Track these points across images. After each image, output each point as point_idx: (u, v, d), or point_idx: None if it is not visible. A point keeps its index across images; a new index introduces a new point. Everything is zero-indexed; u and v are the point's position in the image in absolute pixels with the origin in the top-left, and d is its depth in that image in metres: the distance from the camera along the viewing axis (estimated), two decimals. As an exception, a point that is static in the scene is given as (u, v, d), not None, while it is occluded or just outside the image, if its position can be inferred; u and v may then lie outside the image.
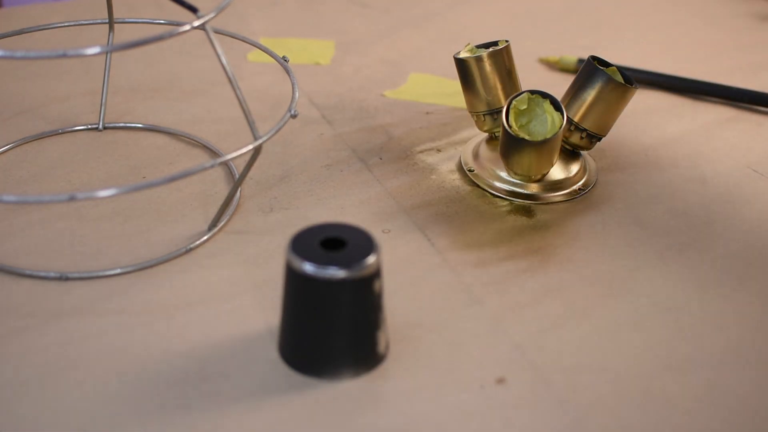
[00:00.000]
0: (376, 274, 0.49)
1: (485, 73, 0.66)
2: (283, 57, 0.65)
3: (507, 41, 0.67)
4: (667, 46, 0.92)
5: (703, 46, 0.92)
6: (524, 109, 0.63)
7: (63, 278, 0.57)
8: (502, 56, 0.66)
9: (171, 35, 0.52)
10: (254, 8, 0.97)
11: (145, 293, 0.56)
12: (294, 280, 0.49)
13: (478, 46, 0.67)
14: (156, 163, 0.69)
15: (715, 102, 0.80)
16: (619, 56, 0.85)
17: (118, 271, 0.58)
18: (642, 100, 0.79)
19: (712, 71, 0.84)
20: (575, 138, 0.66)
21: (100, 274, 0.57)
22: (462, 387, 0.50)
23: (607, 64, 0.65)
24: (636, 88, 0.65)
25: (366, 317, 0.50)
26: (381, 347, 0.51)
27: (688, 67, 0.85)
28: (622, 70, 0.65)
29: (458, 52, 0.67)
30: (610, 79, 0.64)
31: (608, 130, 0.66)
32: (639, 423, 0.48)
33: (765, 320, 0.55)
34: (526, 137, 0.62)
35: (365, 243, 0.50)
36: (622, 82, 0.64)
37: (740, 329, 0.55)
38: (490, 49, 0.66)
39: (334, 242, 0.50)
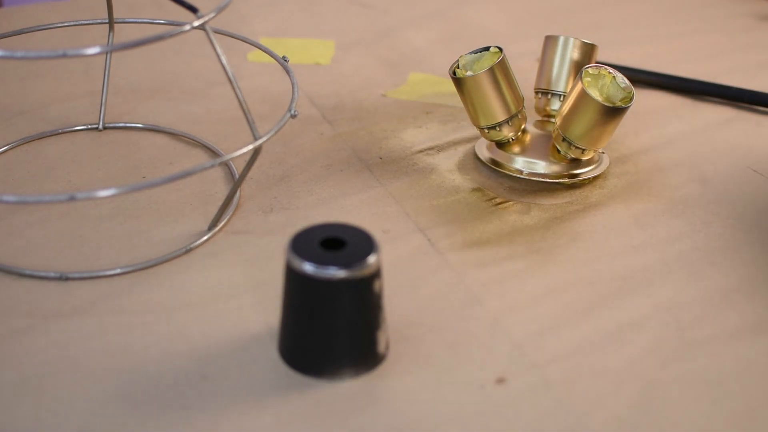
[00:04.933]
0: (376, 274, 0.49)
1: (482, 90, 0.66)
2: (283, 57, 0.65)
3: (500, 49, 0.66)
4: (667, 46, 0.92)
5: (703, 46, 0.92)
6: (595, 75, 0.64)
7: (63, 278, 0.57)
8: (499, 70, 0.65)
9: (171, 35, 0.52)
10: (254, 8, 0.97)
11: (145, 293, 0.56)
12: (294, 280, 0.49)
13: (474, 52, 0.67)
14: (156, 163, 0.69)
15: (715, 102, 0.80)
16: (619, 56, 0.85)
17: (118, 271, 0.58)
18: (642, 100, 0.79)
19: (712, 71, 0.84)
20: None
21: (100, 274, 0.57)
22: (462, 387, 0.50)
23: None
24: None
25: (366, 317, 0.50)
26: (381, 347, 0.51)
27: (688, 67, 0.85)
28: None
29: (454, 64, 0.67)
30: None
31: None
32: (639, 423, 0.48)
33: (765, 319, 0.55)
34: (607, 103, 0.63)
35: (365, 243, 0.50)
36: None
37: (740, 329, 0.55)
38: (485, 69, 0.65)
39: (334, 242, 0.50)
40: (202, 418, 0.48)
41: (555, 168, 0.67)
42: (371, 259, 0.49)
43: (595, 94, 0.64)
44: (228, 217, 0.63)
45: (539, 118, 0.71)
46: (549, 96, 0.69)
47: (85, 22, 0.72)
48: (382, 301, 0.51)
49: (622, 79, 0.64)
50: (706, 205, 0.66)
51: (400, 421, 0.48)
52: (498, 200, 0.66)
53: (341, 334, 0.50)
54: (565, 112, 0.65)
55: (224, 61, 0.55)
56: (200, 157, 0.71)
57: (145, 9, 0.94)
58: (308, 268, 0.48)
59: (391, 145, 0.72)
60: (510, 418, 0.48)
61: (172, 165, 0.69)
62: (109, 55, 0.74)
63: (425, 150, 0.72)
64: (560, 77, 0.69)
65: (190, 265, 0.59)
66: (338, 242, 0.50)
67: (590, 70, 0.64)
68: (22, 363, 0.51)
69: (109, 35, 0.71)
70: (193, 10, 0.54)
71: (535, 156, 0.67)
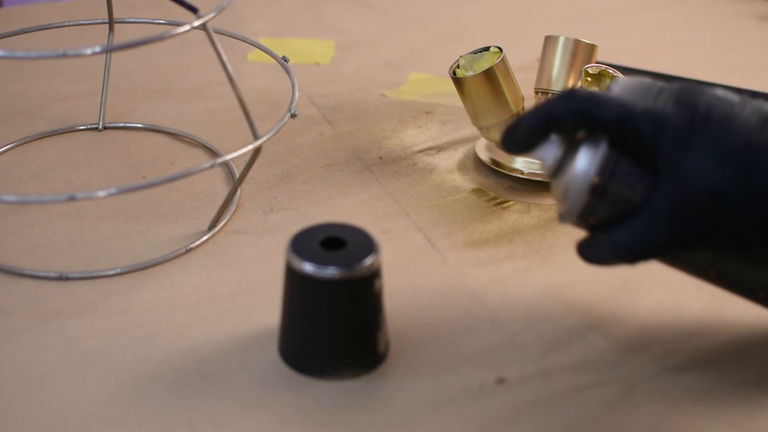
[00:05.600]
0: (376, 274, 0.49)
1: (482, 90, 0.65)
2: (283, 57, 0.65)
3: (500, 49, 0.66)
4: (667, 46, 0.92)
5: (703, 46, 0.92)
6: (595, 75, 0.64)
7: (63, 278, 0.57)
8: (499, 70, 0.65)
9: (171, 35, 0.52)
10: (254, 8, 0.97)
11: (145, 293, 0.56)
12: (294, 280, 0.49)
13: (474, 52, 0.67)
14: (156, 163, 0.69)
15: (715, 102, 0.80)
16: (619, 56, 0.85)
17: (118, 271, 0.58)
18: (642, 100, 0.79)
19: (712, 71, 0.84)
20: None
21: (100, 274, 0.57)
22: (462, 387, 0.50)
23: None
24: None
25: (366, 317, 0.50)
26: (381, 347, 0.51)
27: (688, 67, 0.85)
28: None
29: (454, 64, 0.67)
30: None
31: None
32: (639, 423, 0.48)
33: (765, 319, 0.55)
34: None
35: (365, 243, 0.50)
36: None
37: (740, 329, 0.55)
38: (485, 69, 0.65)
39: (334, 242, 0.50)
40: (202, 418, 0.48)
41: None
42: (371, 259, 0.49)
43: None
44: (228, 217, 0.63)
45: None
46: (549, 96, 0.69)
47: (85, 22, 0.72)
48: (382, 301, 0.51)
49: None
50: (706, 205, 0.66)
51: (400, 421, 0.48)
52: (498, 200, 0.66)
53: (341, 334, 0.50)
54: None
55: (224, 61, 0.55)
56: (200, 157, 0.71)
57: (145, 9, 0.94)
58: (308, 268, 0.48)
59: (391, 145, 0.72)
60: (510, 418, 0.48)
61: (172, 165, 0.69)
62: (109, 55, 0.74)
63: (425, 150, 0.72)
64: (560, 77, 0.69)
65: (190, 265, 0.59)
66: (338, 242, 0.50)
67: (590, 70, 0.64)
68: (22, 363, 0.51)
69: (109, 35, 0.71)
70: (193, 10, 0.54)
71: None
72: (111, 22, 0.70)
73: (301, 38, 0.91)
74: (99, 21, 0.71)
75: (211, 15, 0.54)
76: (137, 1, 0.95)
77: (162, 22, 0.70)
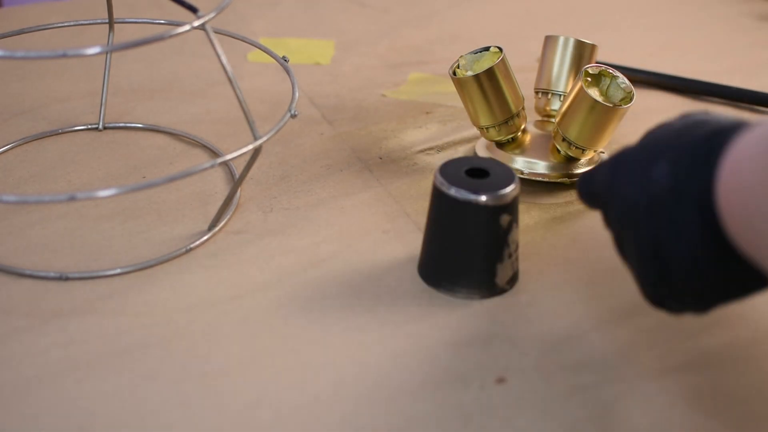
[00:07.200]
0: (512, 204, 0.55)
1: (482, 90, 0.65)
2: (283, 57, 0.65)
3: (500, 49, 0.66)
4: (667, 45, 0.92)
5: (703, 46, 0.92)
6: (596, 75, 0.64)
7: (63, 278, 0.57)
8: (499, 70, 0.65)
9: (171, 35, 0.52)
10: (254, 8, 0.97)
11: (145, 293, 0.56)
12: (440, 204, 0.55)
13: (474, 52, 0.67)
14: (156, 163, 0.69)
15: (715, 102, 0.80)
16: (619, 56, 0.85)
17: (118, 271, 0.58)
18: (642, 100, 0.79)
19: (712, 71, 0.84)
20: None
21: (100, 274, 0.57)
22: (462, 387, 0.50)
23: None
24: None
25: (492, 244, 0.55)
26: (499, 279, 0.56)
27: (688, 67, 0.85)
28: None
29: (454, 64, 0.67)
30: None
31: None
32: (639, 423, 0.48)
33: (765, 319, 0.55)
34: (607, 103, 0.63)
35: (506, 175, 0.55)
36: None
37: (740, 329, 0.55)
38: (485, 69, 0.65)
39: (479, 172, 0.56)
40: (202, 417, 0.48)
41: (555, 168, 0.67)
42: (512, 187, 0.55)
43: (594, 94, 0.64)
44: (228, 217, 0.63)
45: (539, 118, 0.71)
46: (549, 96, 0.69)
47: (85, 22, 0.72)
48: (509, 237, 0.55)
49: (622, 79, 0.64)
50: (706, 205, 0.66)
51: (399, 421, 0.48)
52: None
53: (463, 253, 0.55)
54: (565, 111, 0.65)
55: (224, 61, 0.55)
56: (200, 157, 0.71)
57: (145, 9, 0.94)
58: (454, 192, 0.55)
59: (391, 145, 0.72)
60: (510, 418, 0.48)
61: (172, 165, 0.69)
62: (109, 55, 0.74)
63: (425, 150, 0.72)
64: (560, 77, 0.69)
65: (190, 265, 0.59)
66: (482, 172, 0.56)
67: (590, 70, 0.64)
68: (22, 363, 0.51)
69: (109, 35, 0.71)
70: (193, 10, 0.54)
71: (535, 156, 0.67)
72: (111, 22, 0.70)
73: (301, 38, 0.91)
74: (99, 21, 0.71)
75: (211, 15, 0.54)
76: (137, 1, 0.95)
77: (162, 22, 0.70)
